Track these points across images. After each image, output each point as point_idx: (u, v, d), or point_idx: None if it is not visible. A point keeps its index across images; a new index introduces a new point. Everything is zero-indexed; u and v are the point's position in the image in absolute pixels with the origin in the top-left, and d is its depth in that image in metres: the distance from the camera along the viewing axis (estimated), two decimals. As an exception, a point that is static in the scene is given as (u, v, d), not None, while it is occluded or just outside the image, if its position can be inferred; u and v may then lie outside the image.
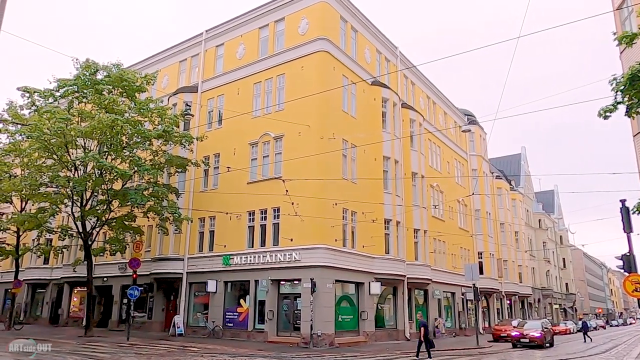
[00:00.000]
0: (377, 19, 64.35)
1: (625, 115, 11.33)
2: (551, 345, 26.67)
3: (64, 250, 29.56)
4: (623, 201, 15.30)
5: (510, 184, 54.60)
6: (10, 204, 30.79)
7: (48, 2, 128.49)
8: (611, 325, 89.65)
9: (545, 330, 26.26)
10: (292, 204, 21.35)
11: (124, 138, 24.00)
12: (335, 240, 22.48)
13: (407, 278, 27.23)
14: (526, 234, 56.81)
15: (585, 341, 31.40)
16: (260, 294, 23.20)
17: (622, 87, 10.44)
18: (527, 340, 24.96)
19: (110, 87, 24.17)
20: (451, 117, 41.67)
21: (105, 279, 30.98)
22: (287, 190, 21.07)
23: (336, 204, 22.71)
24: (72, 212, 25.04)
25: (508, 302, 47.46)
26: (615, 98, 10.90)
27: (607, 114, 11.01)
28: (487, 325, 40.49)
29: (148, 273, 26.95)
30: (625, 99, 10.90)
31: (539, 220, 65.85)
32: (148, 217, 25.18)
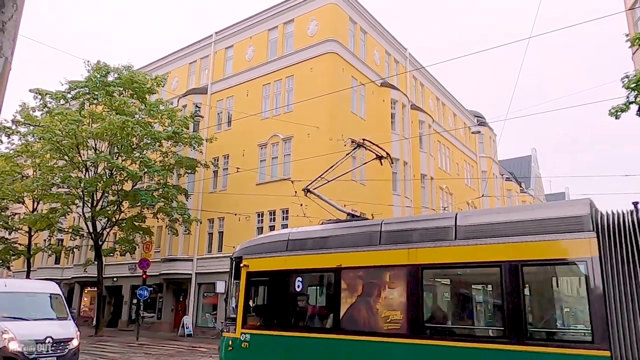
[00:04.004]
0: (386, 19, 64.56)
1: (637, 114, 11.19)
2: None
3: (74, 250, 29.87)
4: (635, 204, 15.06)
5: (521, 186, 54.17)
6: (22, 204, 31.16)
7: (57, 3, 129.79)
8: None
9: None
10: (301, 205, 21.32)
11: (134, 139, 24.22)
12: (344, 241, 22.42)
13: (416, 280, 27.05)
14: (537, 236, 56.14)
15: None
16: (269, 295, 23.21)
17: (633, 85, 10.33)
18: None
19: (121, 89, 24.42)
20: (460, 118, 41.47)
21: (115, 279, 31.22)
22: (295, 192, 21.06)
23: (345, 205, 22.60)
24: (83, 213, 25.28)
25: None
26: (628, 98, 10.78)
27: (619, 113, 10.89)
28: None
29: (157, 274, 27.10)
30: (638, 98, 10.77)
31: (550, 223, 65.07)
32: (158, 218, 25.34)
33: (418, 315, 7.38)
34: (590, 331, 6.10)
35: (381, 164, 11.18)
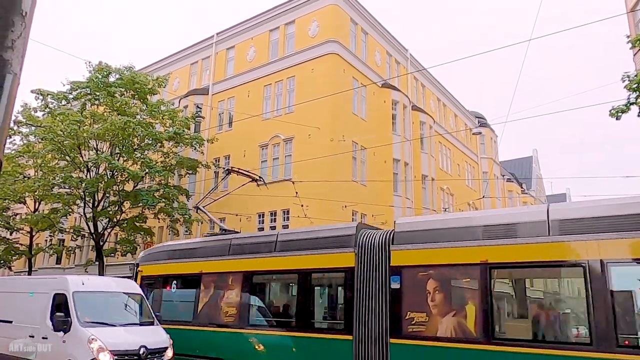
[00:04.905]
0: (386, 20, 64.42)
1: (639, 116, 11.19)
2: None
3: (76, 250, 29.84)
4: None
5: (522, 187, 54.16)
6: (24, 204, 31.20)
7: (57, 3, 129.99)
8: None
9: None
10: (302, 206, 21.37)
11: (135, 140, 24.23)
12: (345, 242, 22.43)
13: (417, 281, 27.06)
14: (538, 237, 55.96)
15: None
16: (270, 296, 23.25)
17: (634, 86, 10.33)
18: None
19: (123, 90, 24.42)
20: (462, 119, 41.48)
21: (116, 279, 31.20)
22: (296, 193, 21.09)
23: (346, 206, 22.70)
24: (84, 213, 25.29)
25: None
26: (629, 99, 10.78)
27: (619, 114, 10.90)
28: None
29: (158, 274, 27.09)
30: (639, 100, 10.78)
31: (551, 224, 64.86)
32: (159, 219, 25.35)
33: (246, 312, 9.66)
34: (343, 322, 8.41)
35: (258, 186, 13.39)
